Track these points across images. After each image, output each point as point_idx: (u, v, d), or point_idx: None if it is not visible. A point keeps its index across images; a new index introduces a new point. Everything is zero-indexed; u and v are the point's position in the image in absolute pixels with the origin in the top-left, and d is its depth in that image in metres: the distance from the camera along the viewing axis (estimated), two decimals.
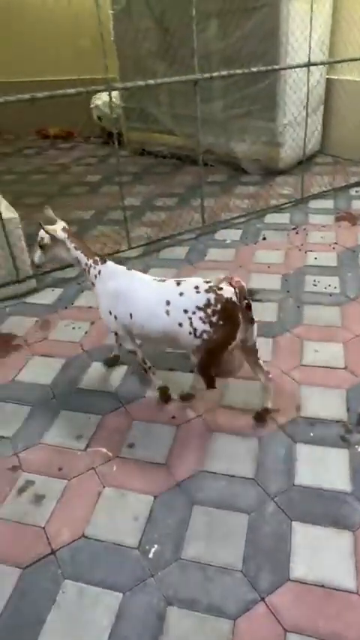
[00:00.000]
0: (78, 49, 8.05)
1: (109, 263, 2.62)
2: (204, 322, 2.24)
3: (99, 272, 2.58)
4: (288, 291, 3.76)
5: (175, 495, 2.25)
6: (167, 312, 2.31)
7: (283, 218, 5.11)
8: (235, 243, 4.62)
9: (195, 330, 2.25)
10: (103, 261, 2.61)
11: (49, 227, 2.64)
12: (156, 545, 2.06)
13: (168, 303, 2.31)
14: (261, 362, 2.54)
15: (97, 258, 2.61)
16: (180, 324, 2.28)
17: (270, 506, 2.17)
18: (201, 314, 2.23)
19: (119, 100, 7.25)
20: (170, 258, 4.39)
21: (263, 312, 3.50)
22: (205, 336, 2.25)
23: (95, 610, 1.85)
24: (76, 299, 3.86)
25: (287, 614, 1.79)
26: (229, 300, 2.23)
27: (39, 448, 2.56)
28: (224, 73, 4.50)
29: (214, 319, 2.22)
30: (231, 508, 2.18)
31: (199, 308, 2.24)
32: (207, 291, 2.25)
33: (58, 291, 3.98)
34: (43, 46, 8.48)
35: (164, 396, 2.77)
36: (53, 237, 2.64)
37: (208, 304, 2.23)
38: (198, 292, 2.27)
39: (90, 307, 3.70)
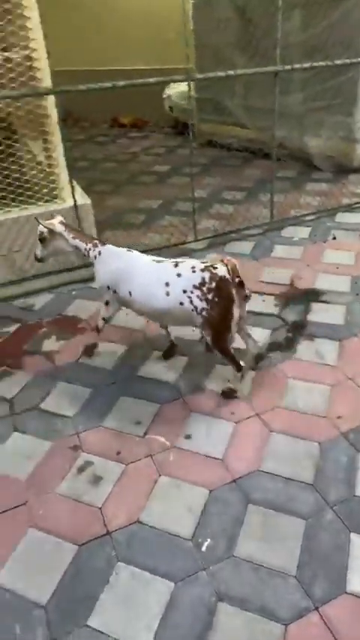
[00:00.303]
0: (155, 38, 8.09)
1: (109, 245, 2.83)
2: (201, 300, 2.43)
3: (99, 252, 2.79)
4: (358, 294, 3.62)
5: (230, 491, 2.24)
6: (167, 293, 2.49)
7: (355, 218, 4.91)
8: (303, 241, 4.49)
9: (196, 307, 2.45)
10: (103, 244, 2.82)
11: (46, 222, 2.82)
12: (209, 540, 2.05)
13: (167, 284, 2.50)
14: (249, 331, 2.80)
15: (96, 241, 2.84)
16: (181, 303, 2.48)
17: (328, 515, 2.11)
18: (198, 292, 2.43)
19: (193, 90, 7.22)
20: (235, 252, 4.34)
21: (330, 313, 3.39)
22: (204, 313, 2.44)
23: (147, 595, 1.88)
24: None
25: (342, 629, 1.74)
26: (222, 278, 2.42)
27: (99, 430, 2.61)
28: (306, 65, 4.36)
29: (209, 296, 2.42)
30: (287, 512, 2.13)
31: (195, 287, 2.43)
32: (202, 270, 2.44)
33: None
34: (120, 35, 8.59)
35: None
36: (51, 231, 2.82)
37: (203, 283, 2.42)
38: (194, 272, 2.45)
39: None
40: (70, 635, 1.78)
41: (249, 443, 2.47)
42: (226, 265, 2.45)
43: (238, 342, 2.72)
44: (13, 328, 3.49)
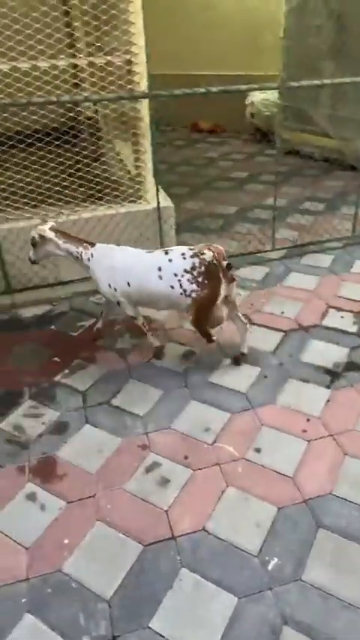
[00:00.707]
0: (245, 45, 8.08)
1: (99, 245, 2.97)
2: (191, 283, 2.66)
3: (91, 255, 2.93)
4: None
5: (300, 512, 2.17)
6: (160, 277, 2.71)
7: None
8: None
9: (185, 290, 2.68)
10: (92, 245, 2.96)
11: (38, 227, 2.97)
12: (276, 559, 2.00)
13: (160, 269, 2.71)
14: (239, 314, 3.00)
15: (86, 244, 2.96)
16: (172, 287, 2.69)
17: None
18: (188, 276, 2.66)
19: (278, 98, 7.14)
20: (313, 265, 4.23)
21: None
22: (193, 294, 2.68)
23: (210, 606, 1.85)
24: None
25: None
26: (210, 263, 2.65)
27: (168, 433, 2.63)
28: None
29: (199, 279, 2.65)
30: None
31: (186, 271, 2.66)
32: (192, 256, 2.67)
33: None
34: (209, 41, 8.64)
35: (159, 353, 3.17)
36: (42, 237, 2.95)
37: (193, 267, 2.66)
38: (184, 258, 2.68)
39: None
40: (132, 634, 1.79)
41: (322, 464, 2.38)
42: (213, 251, 2.68)
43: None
44: (88, 323, 3.59)
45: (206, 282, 2.66)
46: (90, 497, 2.30)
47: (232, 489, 2.29)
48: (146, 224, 3.79)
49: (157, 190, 3.65)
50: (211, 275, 2.66)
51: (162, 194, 3.80)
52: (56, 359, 3.23)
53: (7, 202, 3.47)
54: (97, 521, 2.19)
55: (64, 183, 3.62)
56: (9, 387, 3.02)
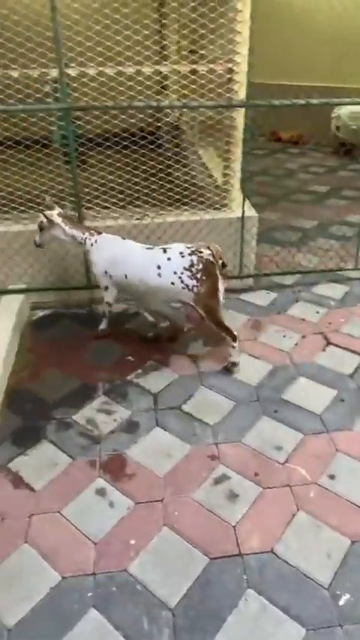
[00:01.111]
0: (337, 55, 7.90)
1: (104, 234, 3.16)
2: (191, 279, 2.85)
3: (95, 241, 3.12)
4: None
5: None
6: (159, 275, 2.88)
7: None
8: None
9: (187, 285, 2.86)
10: (98, 233, 3.14)
11: (47, 212, 3.13)
12: (348, 595, 1.91)
13: (159, 267, 2.88)
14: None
15: (92, 231, 3.15)
16: (172, 283, 2.87)
17: None
18: (188, 273, 2.84)
19: None
20: None
21: None
22: (195, 289, 2.86)
23: (276, 633, 1.80)
24: (290, 307, 3.81)
25: None
26: (208, 260, 2.85)
27: (238, 446, 2.59)
28: None
29: (198, 275, 2.85)
30: None
31: (185, 269, 2.85)
32: (190, 254, 2.86)
33: (273, 295, 3.98)
34: (299, 50, 8.52)
35: (103, 333, 3.41)
36: (50, 221, 3.12)
37: (192, 265, 2.84)
38: (183, 256, 2.87)
39: (303, 319, 3.63)
40: None
41: None
42: (210, 249, 2.87)
43: None
44: (162, 326, 3.61)
45: (204, 278, 2.85)
46: (158, 501, 2.31)
47: (303, 514, 2.21)
48: (228, 232, 3.77)
49: (244, 199, 3.62)
50: (209, 272, 2.86)
51: (247, 203, 3.77)
52: (130, 358, 3.28)
53: (96, 201, 3.57)
54: (164, 526, 2.19)
55: (152, 187, 3.67)
56: (84, 380, 3.10)
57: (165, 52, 5.11)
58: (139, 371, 3.16)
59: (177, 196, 3.70)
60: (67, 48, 3.04)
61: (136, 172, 3.62)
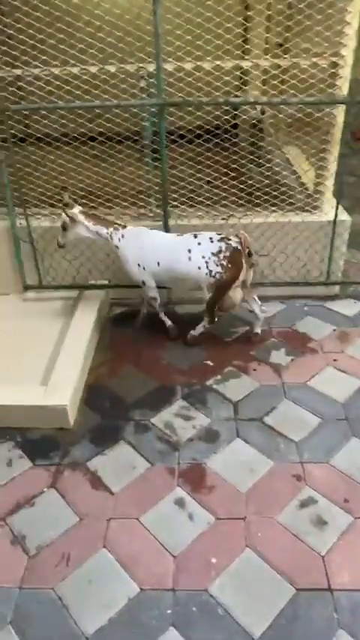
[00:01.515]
0: None
1: (130, 227, 3.12)
2: (217, 265, 2.90)
3: (122, 235, 3.08)
4: None
5: None
6: (189, 258, 2.94)
7: None
8: None
9: (210, 271, 2.92)
10: (123, 227, 3.11)
11: (68, 210, 3.06)
12: None
13: (189, 251, 2.94)
14: (256, 297, 3.24)
15: (117, 225, 3.11)
16: (199, 267, 2.93)
17: None
18: (215, 259, 2.90)
19: None
20: None
21: None
22: (217, 276, 2.92)
23: None
24: None
25: None
26: (235, 249, 2.91)
27: (325, 467, 2.42)
28: None
29: (224, 262, 2.90)
30: None
31: (213, 254, 2.90)
32: (219, 240, 2.92)
33: None
34: None
35: (174, 332, 3.36)
36: (72, 219, 3.06)
37: (219, 251, 2.90)
38: (212, 242, 2.93)
39: None
40: None
41: None
42: (239, 237, 2.91)
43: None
44: (241, 330, 3.49)
45: (229, 265, 2.89)
46: (240, 519, 2.20)
47: None
48: (318, 236, 3.57)
49: (338, 202, 3.41)
50: (235, 260, 2.90)
51: (341, 207, 3.55)
52: (209, 362, 3.19)
53: (182, 200, 3.49)
54: (246, 547, 2.07)
55: (240, 186, 3.54)
56: (162, 381, 3.04)
57: (247, 46, 4.93)
58: (219, 377, 3.06)
59: (264, 197, 3.54)
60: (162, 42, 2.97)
61: (219, 171, 3.50)
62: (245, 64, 3.13)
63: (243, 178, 3.56)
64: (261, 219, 3.53)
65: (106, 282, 3.74)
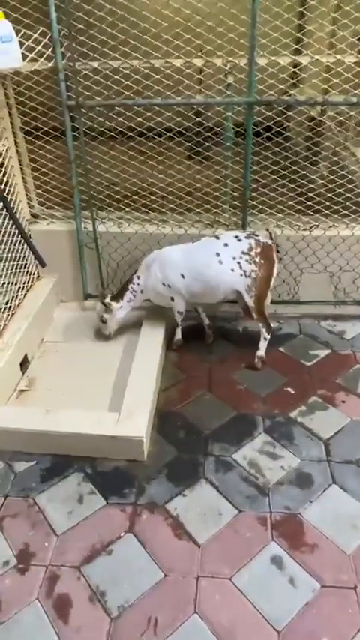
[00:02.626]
0: None
1: (140, 268, 3.01)
2: (250, 263, 2.75)
3: (138, 277, 3.01)
4: None
5: None
6: (220, 262, 2.75)
7: None
8: None
9: (245, 271, 2.76)
10: (134, 273, 3.03)
11: (98, 306, 3.10)
12: None
13: (218, 254, 2.76)
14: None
15: (133, 279, 3.02)
16: (232, 270, 2.75)
17: None
18: (246, 257, 2.75)
19: None
20: None
21: None
22: (253, 274, 2.77)
23: None
24: None
25: None
26: (265, 243, 2.80)
27: None
28: None
29: (257, 259, 2.76)
30: None
31: (244, 253, 2.75)
32: (247, 237, 2.79)
33: None
34: None
35: (177, 344, 3.21)
36: (108, 309, 3.04)
37: (250, 248, 2.76)
38: (240, 240, 2.78)
39: None
40: None
41: None
42: (267, 231, 2.90)
43: None
44: (322, 353, 3.18)
45: (262, 261, 2.77)
46: (350, 588, 1.90)
47: None
48: None
49: None
50: (267, 255, 2.79)
51: None
52: (289, 390, 2.89)
53: (261, 207, 3.18)
54: None
55: (326, 193, 3.21)
56: (240, 409, 2.76)
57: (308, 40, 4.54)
58: (303, 408, 2.76)
59: (339, 206, 3.20)
60: (240, 35, 2.65)
61: (292, 174, 3.16)
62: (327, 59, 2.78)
63: (323, 182, 3.23)
64: (348, 231, 3.19)
65: None
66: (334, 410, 2.74)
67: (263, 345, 3.02)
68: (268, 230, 2.92)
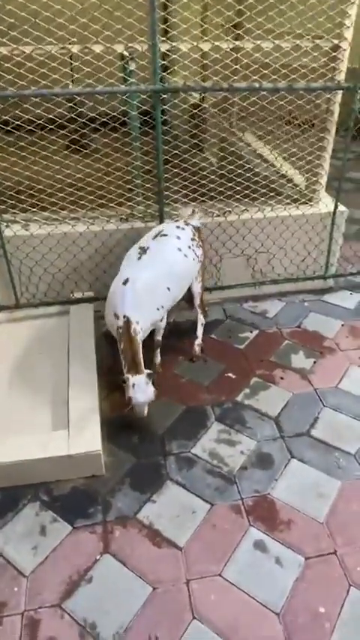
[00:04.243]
0: None
1: (111, 299, 2.50)
2: (198, 248, 2.82)
3: (127, 318, 2.37)
4: None
5: None
6: (185, 256, 2.69)
7: None
8: None
9: (197, 255, 2.79)
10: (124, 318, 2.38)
11: (130, 379, 2.30)
12: None
13: (179, 249, 2.68)
14: None
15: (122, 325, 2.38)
16: (193, 259, 2.75)
17: None
18: (194, 242, 2.79)
19: None
20: None
21: None
22: (201, 257, 2.86)
23: None
24: None
25: None
26: (198, 227, 2.93)
27: None
28: None
29: (200, 242, 2.86)
30: None
31: (192, 239, 2.79)
32: (186, 224, 2.84)
33: (357, 296, 3.68)
34: None
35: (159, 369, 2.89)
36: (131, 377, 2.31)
37: (194, 234, 2.83)
38: (183, 229, 2.80)
39: None
40: None
41: None
42: (193, 212, 2.98)
43: None
44: (251, 334, 3.27)
45: (201, 244, 2.88)
46: (330, 553, 1.99)
47: None
48: (316, 229, 3.43)
49: (338, 192, 3.28)
50: (201, 238, 2.93)
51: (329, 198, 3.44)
52: (230, 375, 2.93)
53: (175, 197, 3.15)
54: (350, 586, 1.88)
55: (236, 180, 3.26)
56: (186, 402, 2.73)
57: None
58: (247, 390, 2.82)
59: (259, 191, 3.31)
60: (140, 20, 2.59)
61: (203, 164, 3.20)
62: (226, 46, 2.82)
63: (216, 168, 3.30)
64: (260, 214, 3.30)
65: (91, 294, 3.30)
66: (275, 387, 2.84)
67: (200, 332, 3.03)
68: (194, 211, 2.97)
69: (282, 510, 2.16)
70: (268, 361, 3.03)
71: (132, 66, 2.75)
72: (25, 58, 2.58)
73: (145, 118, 2.88)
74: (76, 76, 3.27)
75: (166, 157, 2.95)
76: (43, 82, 2.68)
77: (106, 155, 2.99)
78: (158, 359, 2.90)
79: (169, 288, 2.59)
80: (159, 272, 2.55)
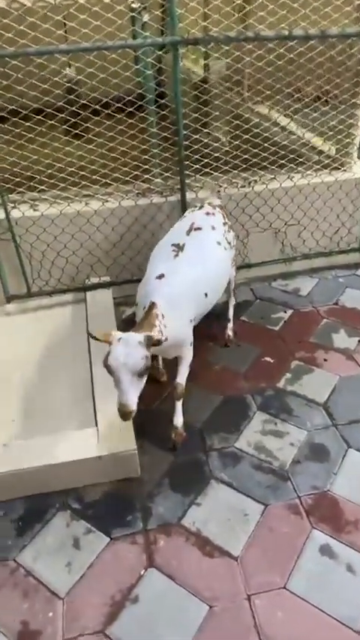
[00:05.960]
0: None
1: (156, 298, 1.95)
2: (229, 232, 2.47)
3: (161, 316, 1.90)
4: None
5: None
6: (225, 249, 2.35)
7: None
8: None
9: (229, 243, 2.43)
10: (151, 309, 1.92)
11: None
12: None
13: (219, 243, 2.32)
14: None
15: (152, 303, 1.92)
16: (225, 248, 2.35)
17: None
18: (226, 227, 2.44)
19: None
20: None
21: None
22: (234, 241, 2.56)
23: None
24: None
25: None
26: (222, 207, 2.62)
27: None
28: None
29: (230, 224, 2.53)
30: None
31: (224, 224, 2.44)
32: (213, 208, 2.47)
33: None
34: None
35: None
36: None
37: (223, 216, 2.48)
38: (213, 215, 2.42)
39: None
40: None
41: None
42: (218, 192, 2.81)
43: None
44: (285, 315, 2.99)
45: (230, 223, 2.56)
46: None
47: None
48: (351, 197, 3.14)
49: None
50: (228, 216, 2.63)
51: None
52: (267, 359, 2.66)
53: (195, 167, 2.86)
54: None
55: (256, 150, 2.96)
56: (224, 392, 2.46)
57: None
58: (288, 375, 2.55)
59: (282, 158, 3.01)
60: None
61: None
62: None
63: (258, 141, 3.00)
64: (289, 182, 3.01)
65: (107, 279, 3.02)
66: (319, 371, 2.56)
67: (231, 315, 2.76)
68: (219, 191, 2.71)
69: (346, 508, 1.90)
70: (307, 342, 2.75)
71: (145, 17, 2.44)
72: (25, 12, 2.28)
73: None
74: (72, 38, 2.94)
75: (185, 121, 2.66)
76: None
77: (121, 132, 2.68)
78: (180, 420, 2.18)
79: (206, 294, 2.17)
80: (199, 276, 2.13)
